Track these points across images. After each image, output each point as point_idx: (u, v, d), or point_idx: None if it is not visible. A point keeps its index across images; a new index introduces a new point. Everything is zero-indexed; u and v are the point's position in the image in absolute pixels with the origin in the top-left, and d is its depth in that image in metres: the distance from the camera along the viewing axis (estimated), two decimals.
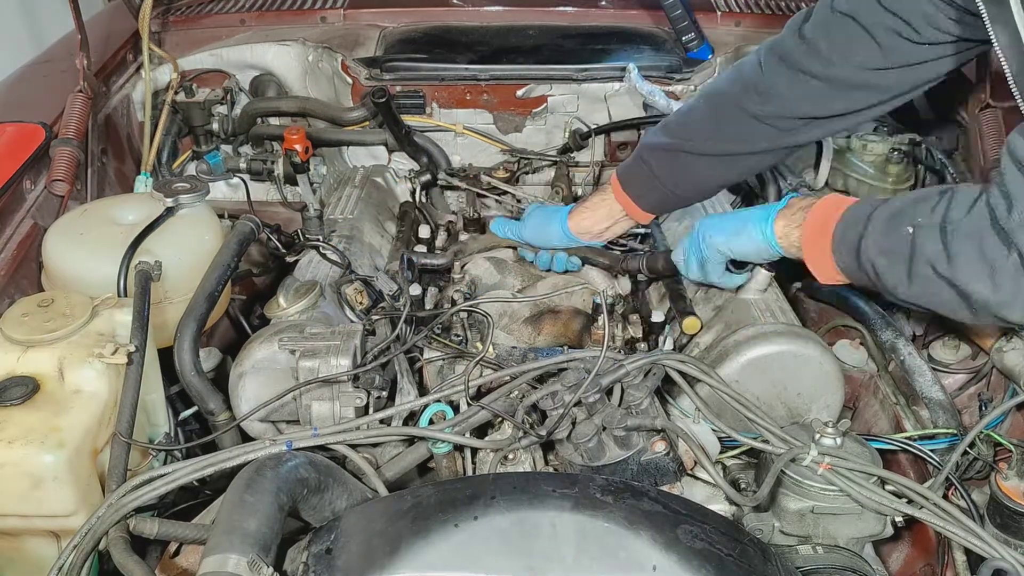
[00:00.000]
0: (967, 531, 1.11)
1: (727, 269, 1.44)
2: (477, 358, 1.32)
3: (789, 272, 1.88)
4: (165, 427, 1.34)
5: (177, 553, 1.14)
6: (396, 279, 1.59)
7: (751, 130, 1.46)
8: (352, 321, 1.50)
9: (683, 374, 1.25)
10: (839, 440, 1.22)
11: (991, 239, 1.04)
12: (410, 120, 2.09)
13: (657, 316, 1.53)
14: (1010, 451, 1.24)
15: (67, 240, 1.43)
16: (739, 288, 1.51)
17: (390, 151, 2.15)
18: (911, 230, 1.12)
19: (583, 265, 1.72)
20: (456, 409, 1.26)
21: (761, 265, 1.49)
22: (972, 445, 1.30)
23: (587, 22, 2.34)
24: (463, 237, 1.88)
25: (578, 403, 1.19)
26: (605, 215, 1.64)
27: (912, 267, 1.12)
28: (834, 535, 1.25)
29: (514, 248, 1.77)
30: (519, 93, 2.11)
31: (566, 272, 1.70)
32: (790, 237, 1.30)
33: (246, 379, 1.34)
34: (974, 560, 1.20)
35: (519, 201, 2.02)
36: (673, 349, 1.49)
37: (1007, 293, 1.04)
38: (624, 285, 1.73)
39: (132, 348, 1.18)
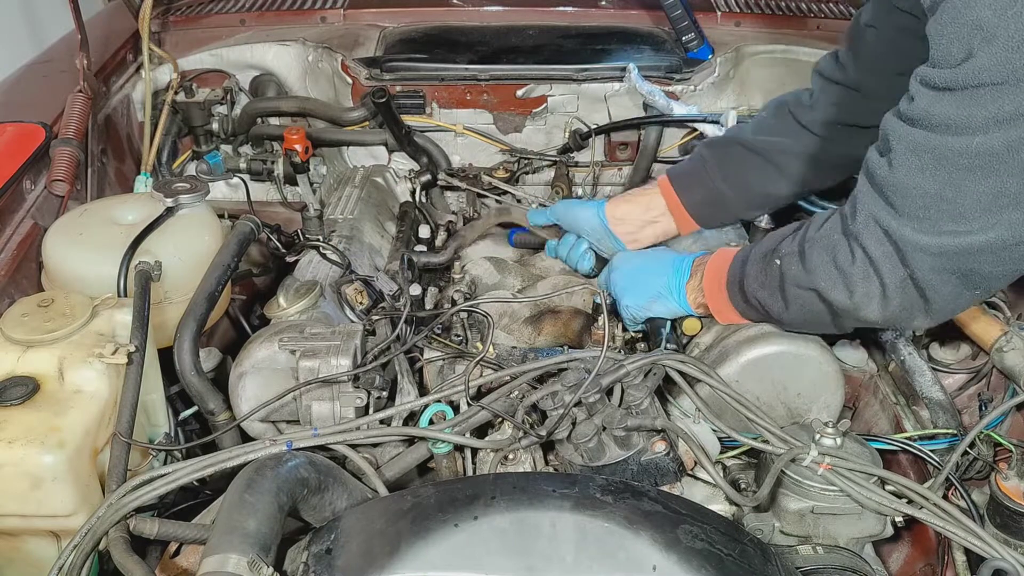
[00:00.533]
0: (967, 531, 1.11)
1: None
2: (477, 358, 1.32)
3: None
4: (165, 427, 1.34)
5: (177, 553, 1.15)
6: (396, 279, 1.59)
7: (797, 135, 1.53)
8: (352, 321, 1.50)
9: (683, 374, 1.25)
10: (839, 440, 1.22)
11: (842, 245, 1.14)
12: (410, 120, 2.09)
13: None
14: (1010, 451, 1.24)
15: (67, 240, 1.43)
16: None
17: (390, 151, 2.15)
18: (778, 262, 1.23)
19: None
20: (456, 409, 1.26)
21: None
22: (972, 445, 1.30)
23: (587, 22, 2.34)
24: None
25: (578, 403, 1.19)
26: (644, 206, 1.61)
27: (784, 292, 1.22)
28: (834, 535, 1.25)
29: (536, 248, 1.76)
30: (519, 93, 2.11)
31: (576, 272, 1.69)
32: (700, 302, 1.39)
33: (246, 379, 1.34)
34: (974, 560, 1.20)
35: (519, 201, 2.02)
36: (673, 349, 1.49)
37: (861, 295, 1.13)
38: None
39: (132, 348, 1.18)
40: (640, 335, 1.53)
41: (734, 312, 1.35)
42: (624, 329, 1.55)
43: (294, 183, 2.14)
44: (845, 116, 1.48)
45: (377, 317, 1.50)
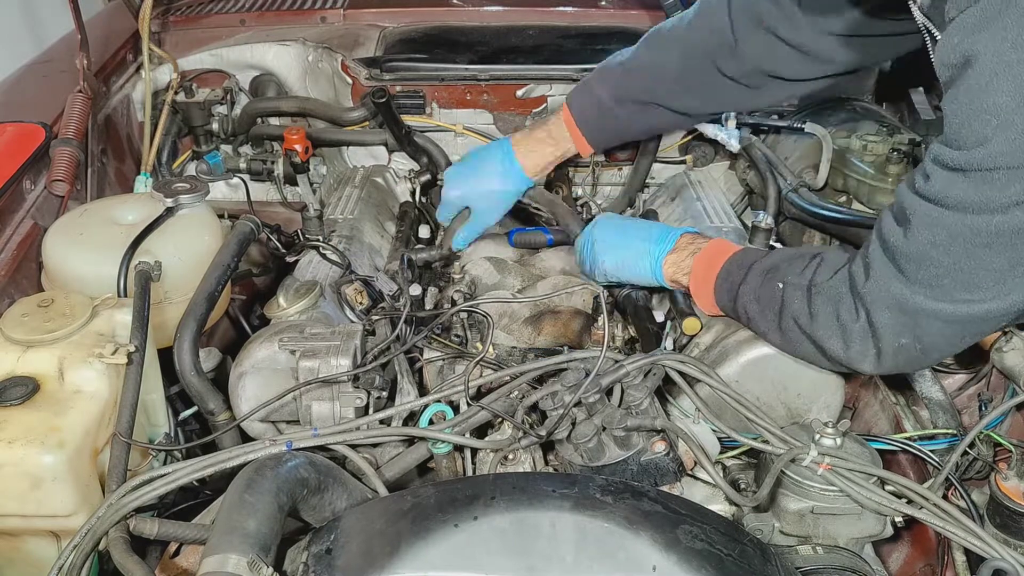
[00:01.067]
0: (967, 531, 1.11)
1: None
2: (477, 358, 1.32)
3: None
4: (165, 427, 1.34)
5: (177, 553, 1.15)
6: (396, 279, 1.59)
7: (721, 88, 1.57)
8: (352, 321, 1.50)
9: (683, 374, 1.25)
10: (839, 440, 1.23)
11: (847, 303, 1.15)
12: (410, 120, 2.09)
13: (657, 316, 1.53)
14: (1010, 451, 1.24)
15: (67, 240, 1.43)
16: None
17: (390, 151, 2.15)
18: (781, 286, 1.24)
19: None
20: (456, 409, 1.26)
21: None
22: (972, 445, 1.30)
23: (587, 22, 2.33)
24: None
25: (578, 403, 1.19)
26: (543, 129, 1.72)
27: (781, 319, 1.24)
28: (834, 535, 1.25)
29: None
30: (519, 93, 2.11)
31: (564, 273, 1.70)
32: (676, 278, 1.43)
33: (246, 379, 1.34)
34: (974, 560, 1.20)
35: (519, 201, 2.02)
36: (673, 349, 1.49)
37: (856, 352, 1.16)
38: None
39: (132, 348, 1.18)
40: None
41: (711, 303, 1.38)
42: (624, 329, 1.55)
43: (294, 183, 2.13)
44: (779, 69, 1.52)
45: (377, 317, 1.50)
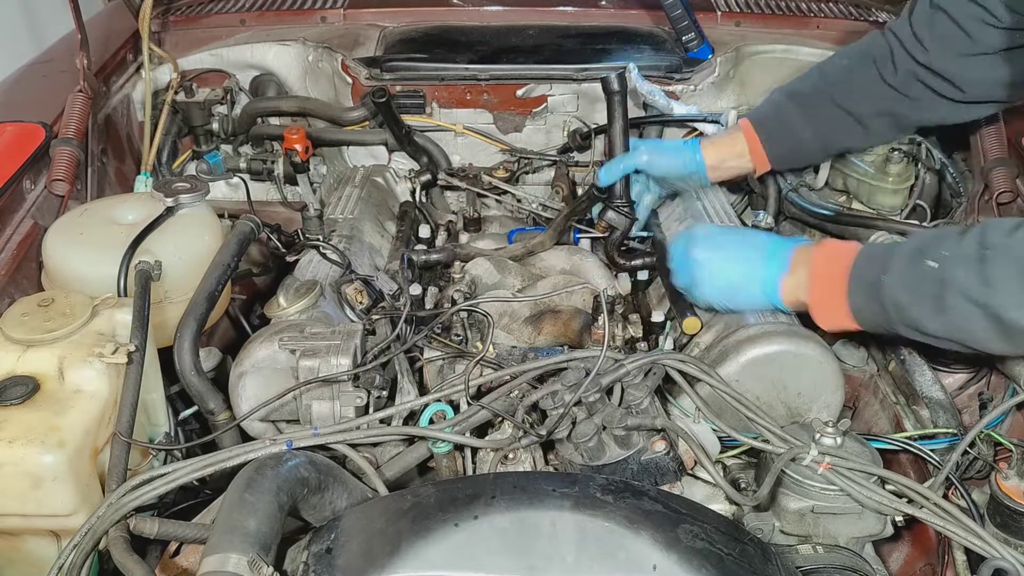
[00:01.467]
0: (967, 531, 1.11)
1: None
2: (477, 358, 1.32)
3: None
4: (165, 427, 1.34)
5: (177, 553, 1.14)
6: (396, 279, 1.59)
7: (882, 93, 1.58)
8: (352, 321, 1.50)
9: (683, 374, 1.25)
10: (839, 440, 1.22)
11: None
12: (410, 120, 2.09)
13: (657, 316, 1.53)
14: (1010, 451, 1.24)
15: (67, 240, 1.43)
16: None
17: (390, 151, 2.15)
18: (935, 264, 1.12)
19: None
20: (456, 409, 1.26)
21: None
22: (972, 445, 1.30)
23: (587, 22, 2.34)
24: (463, 238, 1.88)
25: (578, 403, 1.19)
26: (729, 147, 1.70)
27: (943, 300, 1.11)
28: (834, 535, 1.25)
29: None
30: (519, 93, 2.11)
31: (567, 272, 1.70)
32: (796, 297, 1.32)
33: (246, 379, 1.34)
34: (974, 560, 1.20)
35: (519, 201, 2.02)
36: (673, 349, 1.49)
37: None
38: (624, 285, 1.73)
39: (132, 348, 1.18)
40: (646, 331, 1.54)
41: (845, 312, 1.25)
42: (624, 329, 1.55)
43: (294, 183, 2.14)
44: (925, 80, 1.54)
45: (377, 317, 1.50)
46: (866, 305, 1.23)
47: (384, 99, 1.95)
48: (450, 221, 1.98)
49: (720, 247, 1.39)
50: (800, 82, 1.71)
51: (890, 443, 1.39)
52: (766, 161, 1.69)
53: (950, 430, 1.39)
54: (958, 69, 1.49)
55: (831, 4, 2.39)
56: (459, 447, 1.25)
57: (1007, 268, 1.06)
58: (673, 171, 1.72)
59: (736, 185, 2.05)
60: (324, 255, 1.61)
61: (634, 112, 2.11)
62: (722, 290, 1.38)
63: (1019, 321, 1.05)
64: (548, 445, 1.30)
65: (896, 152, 1.75)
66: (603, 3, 2.41)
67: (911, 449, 1.38)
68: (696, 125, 2.05)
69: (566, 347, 1.53)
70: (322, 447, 1.15)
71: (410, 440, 1.26)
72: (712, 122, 2.00)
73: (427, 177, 2.03)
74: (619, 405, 1.25)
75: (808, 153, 1.74)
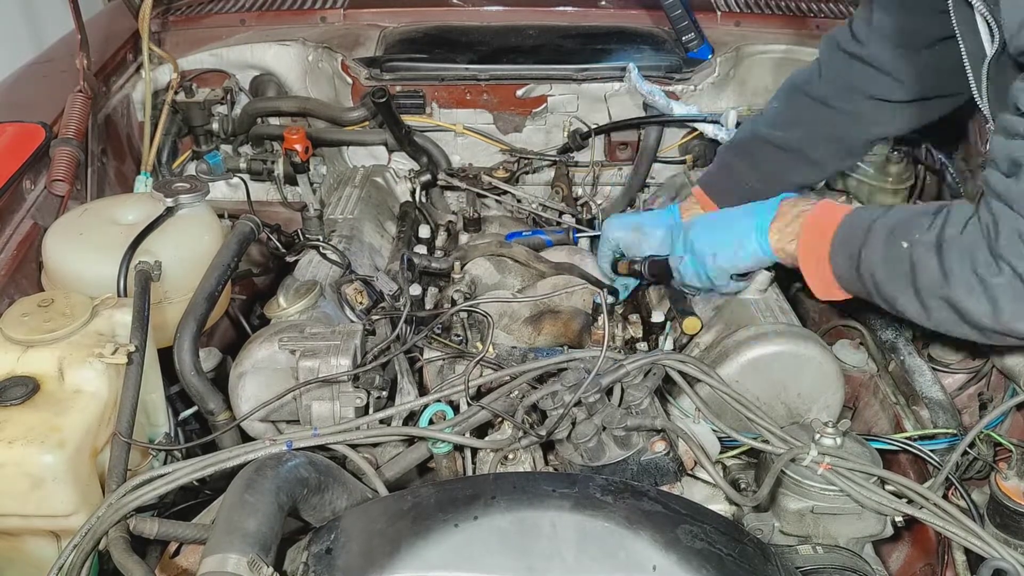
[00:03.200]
0: (967, 531, 1.11)
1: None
2: (477, 358, 1.32)
3: (789, 272, 1.88)
4: (165, 427, 1.34)
5: (177, 553, 1.14)
6: (396, 279, 1.59)
7: (815, 115, 1.56)
8: (352, 321, 1.50)
9: (683, 374, 1.25)
10: (839, 440, 1.23)
11: (983, 257, 1.05)
12: (410, 120, 2.09)
13: (657, 316, 1.53)
14: (1010, 451, 1.24)
15: (67, 240, 1.43)
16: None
17: (390, 151, 2.15)
18: (907, 245, 1.13)
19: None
20: (456, 409, 1.26)
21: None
22: (972, 445, 1.30)
23: (587, 22, 2.34)
24: (463, 239, 1.88)
25: (578, 403, 1.19)
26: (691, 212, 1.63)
27: (915, 282, 1.12)
28: (834, 535, 1.25)
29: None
30: (519, 93, 2.11)
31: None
32: (786, 249, 1.32)
33: (246, 379, 1.34)
34: (974, 560, 1.20)
35: (519, 201, 2.02)
36: (673, 349, 1.49)
37: (1011, 312, 1.04)
38: None
39: (132, 348, 1.18)
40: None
41: (830, 277, 1.25)
42: (624, 329, 1.55)
43: (294, 183, 2.13)
44: (857, 84, 1.52)
45: (377, 317, 1.50)
46: (846, 273, 1.23)
47: (384, 99, 1.95)
48: (450, 221, 1.98)
49: (711, 220, 1.45)
50: (739, 133, 1.70)
51: (890, 443, 1.40)
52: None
53: (950, 430, 1.40)
54: (894, 64, 1.46)
55: (831, 4, 2.39)
56: (459, 448, 1.25)
57: (961, 262, 1.07)
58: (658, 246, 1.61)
59: None
60: (324, 255, 1.61)
61: (634, 112, 2.11)
62: (722, 252, 1.38)
63: (979, 314, 1.07)
64: (548, 445, 1.30)
65: (896, 152, 1.75)
66: (603, 3, 2.41)
67: (911, 449, 1.38)
68: (696, 125, 2.05)
69: (566, 347, 1.53)
70: (322, 447, 1.15)
71: (410, 441, 1.26)
72: (712, 122, 2.00)
73: (427, 177, 2.03)
74: (619, 405, 1.25)
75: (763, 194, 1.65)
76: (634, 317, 1.58)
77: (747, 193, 1.55)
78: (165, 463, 1.25)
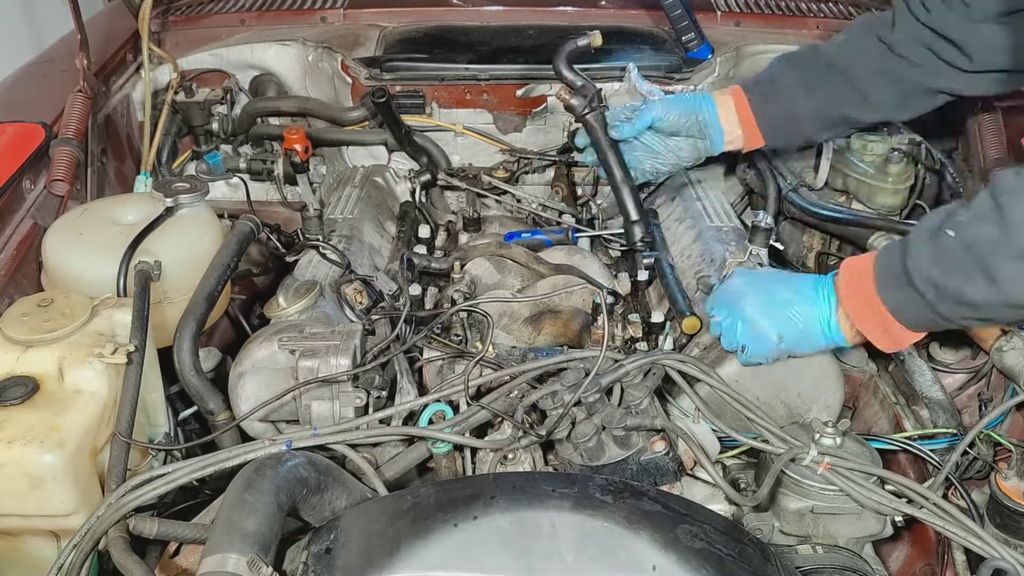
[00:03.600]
0: (967, 531, 1.11)
1: None
2: (477, 358, 1.32)
3: (789, 271, 1.88)
4: (165, 427, 1.34)
5: (177, 553, 1.15)
6: (396, 279, 1.59)
7: (880, 56, 1.51)
8: (352, 321, 1.50)
9: (683, 374, 1.25)
10: (839, 440, 1.23)
11: None
12: (410, 120, 2.09)
13: (657, 316, 1.53)
14: (1010, 451, 1.24)
15: (67, 240, 1.43)
16: None
17: (390, 151, 2.15)
18: (952, 232, 1.10)
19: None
20: (456, 409, 1.26)
21: (760, 265, 1.49)
22: (972, 445, 1.30)
23: (587, 22, 2.33)
24: (463, 239, 1.88)
25: (578, 403, 1.19)
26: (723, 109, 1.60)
27: (978, 258, 1.07)
28: (834, 535, 1.25)
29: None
30: (519, 93, 2.11)
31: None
32: (852, 330, 1.25)
33: (246, 379, 1.34)
34: (974, 560, 1.20)
35: (519, 201, 2.02)
36: (673, 349, 1.49)
37: None
38: (624, 285, 1.73)
39: (132, 348, 1.18)
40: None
41: (887, 317, 1.19)
42: (624, 329, 1.55)
43: (294, 183, 2.13)
44: (928, 44, 1.47)
45: (377, 317, 1.50)
46: (904, 299, 1.17)
47: (384, 99, 1.95)
48: (450, 221, 1.98)
49: (767, 294, 1.31)
50: (797, 51, 1.65)
51: (890, 443, 1.40)
52: (756, 131, 1.59)
53: (950, 430, 1.40)
54: (960, 34, 1.43)
55: (831, 4, 2.39)
56: (459, 447, 1.25)
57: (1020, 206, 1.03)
58: (685, 126, 1.60)
59: (736, 185, 2.05)
60: (324, 255, 1.61)
61: None
62: (790, 342, 1.28)
63: None
64: (548, 445, 1.30)
65: (896, 152, 1.75)
66: (603, 3, 2.41)
67: (911, 449, 1.38)
68: None
69: (566, 347, 1.53)
70: (322, 447, 1.15)
71: (410, 440, 1.26)
72: None
73: (427, 177, 2.03)
74: (619, 405, 1.25)
75: (804, 122, 1.60)
76: (634, 317, 1.58)
77: (790, 111, 1.55)
78: (165, 463, 1.25)
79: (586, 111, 1.61)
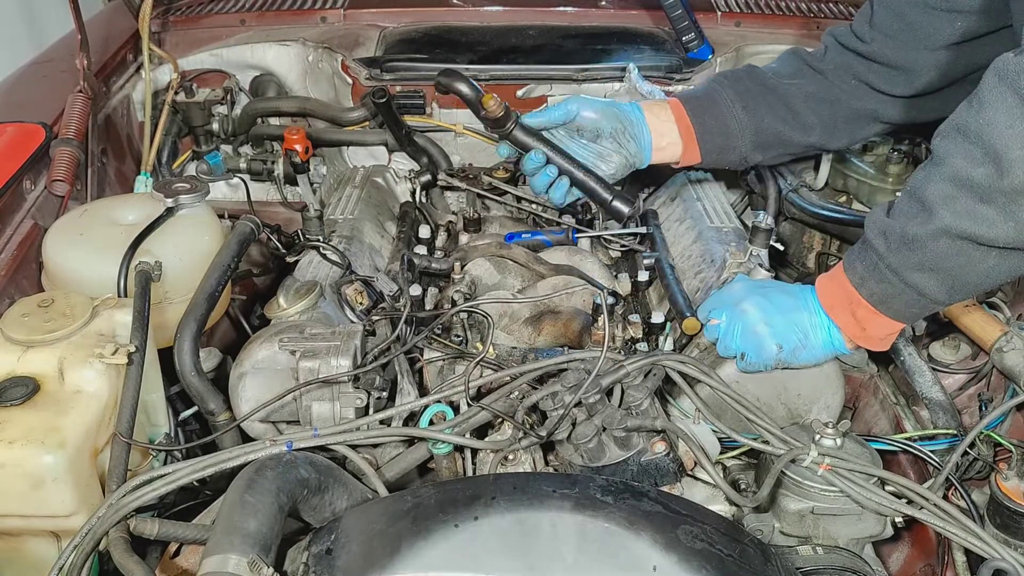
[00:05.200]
0: (967, 531, 1.11)
1: None
2: (477, 359, 1.32)
3: (789, 271, 1.88)
4: (165, 427, 1.34)
5: (177, 553, 1.15)
6: (396, 279, 1.59)
7: (810, 77, 1.56)
8: (352, 321, 1.50)
9: (683, 375, 1.25)
10: (839, 441, 1.23)
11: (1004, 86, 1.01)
12: (410, 120, 2.09)
13: (657, 316, 1.53)
14: (1010, 451, 1.24)
15: (67, 240, 1.43)
16: None
17: (390, 151, 2.15)
18: (905, 189, 1.16)
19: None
20: (456, 410, 1.26)
21: (761, 266, 1.49)
22: (972, 445, 1.30)
23: (587, 22, 2.34)
24: (463, 239, 1.88)
25: (578, 404, 1.19)
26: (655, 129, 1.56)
27: (913, 194, 1.13)
28: (834, 536, 1.25)
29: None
30: (519, 93, 2.11)
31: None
32: (849, 335, 1.28)
33: (246, 379, 1.34)
34: (974, 560, 1.20)
35: (519, 201, 2.02)
36: (673, 350, 1.49)
37: None
38: (624, 285, 1.73)
39: (132, 348, 1.18)
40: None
41: (857, 298, 1.22)
42: (624, 329, 1.55)
43: (294, 183, 2.14)
44: (857, 73, 1.53)
45: (377, 317, 1.50)
46: (865, 266, 1.20)
47: (384, 99, 1.95)
48: (450, 221, 1.98)
49: (775, 304, 1.31)
50: (734, 70, 1.69)
51: (890, 444, 1.40)
52: (695, 143, 1.56)
53: (950, 431, 1.40)
54: (905, 61, 1.46)
55: (831, 4, 2.39)
56: (459, 448, 1.25)
57: (1000, 96, 1.03)
58: (608, 131, 1.53)
59: (736, 185, 2.05)
60: (324, 256, 1.61)
61: None
62: (789, 351, 1.29)
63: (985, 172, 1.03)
64: (548, 446, 1.30)
65: (896, 152, 1.75)
66: (603, 3, 2.41)
67: (911, 450, 1.38)
68: None
69: (566, 348, 1.53)
70: (322, 448, 1.15)
71: (410, 441, 1.26)
72: None
73: (427, 177, 2.03)
74: (619, 406, 1.25)
75: (738, 139, 1.57)
76: (634, 318, 1.58)
77: (724, 124, 1.55)
78: (165, 463, 1.25)
79: (513, 121, 1.55)
